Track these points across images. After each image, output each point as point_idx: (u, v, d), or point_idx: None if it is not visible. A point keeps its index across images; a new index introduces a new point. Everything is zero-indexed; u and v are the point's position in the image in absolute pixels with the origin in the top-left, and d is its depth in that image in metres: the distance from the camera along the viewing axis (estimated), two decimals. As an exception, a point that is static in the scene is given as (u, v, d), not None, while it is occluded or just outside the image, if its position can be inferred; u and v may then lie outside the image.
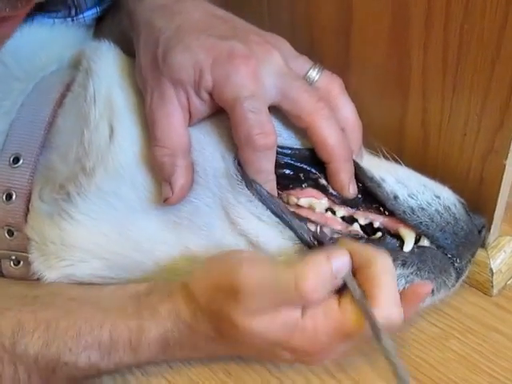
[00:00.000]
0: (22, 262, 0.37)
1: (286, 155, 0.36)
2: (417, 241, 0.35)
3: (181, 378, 0.35)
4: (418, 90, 0.39)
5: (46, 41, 0.42)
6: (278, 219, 0.34)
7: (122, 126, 0.35)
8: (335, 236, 0.34)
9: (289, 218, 0.33)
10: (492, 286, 0.39)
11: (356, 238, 0.34)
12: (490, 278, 0.39)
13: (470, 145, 0.38)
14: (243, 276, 0.30)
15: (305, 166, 0.36)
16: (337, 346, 0.30)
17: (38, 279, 0.36)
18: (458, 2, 0.34)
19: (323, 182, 0.36)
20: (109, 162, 0.35)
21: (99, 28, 0.46)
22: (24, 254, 0.37)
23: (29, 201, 0.36)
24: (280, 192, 0.35)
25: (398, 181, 0.35)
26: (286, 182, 0.35)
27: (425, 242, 0.35)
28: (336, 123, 0.34)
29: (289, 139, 0.36)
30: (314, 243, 0.33)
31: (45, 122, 0.37)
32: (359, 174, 0.36)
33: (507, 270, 0.40)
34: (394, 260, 0.32)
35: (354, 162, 0.36)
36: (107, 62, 0.38)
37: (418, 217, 0.34)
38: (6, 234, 0.37)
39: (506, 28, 0.33)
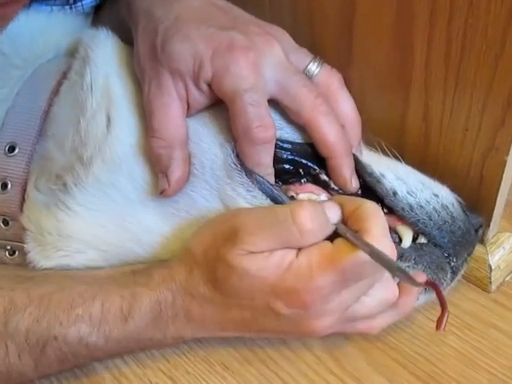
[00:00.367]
0: (17, 252, 0.37)
1: (286, 150, 0.35)
2: (414, 239, 0.35)
3: (177, 371, 0.35)
4: (420, 85, 0.39)
5: (44, 28, 0.41)
6: None
7: (119, 116, 0.35)
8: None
9: None
10: (490, 283, 0.39)
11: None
12: (488, 274, 0.39)
13: (471, 141, 0.38)
14: (242, 216, 0.30)
15: (305, 161, 0.36)
16: (332, 289, 0.29)
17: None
18: (463, -4, 0.33)
19: (324, 177, 0.35)
20: (106, 152, 0.34)
21: (97, 16, 0.46)
22: (19, 244, 0.36)
23: (24, 190, 0.36)
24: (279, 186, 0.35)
25: (398, 177, 0.35)
26: (285, 177, 0.35)
27: (422, 240, 0.35)
28: (335, 119, 0.34)
29: (290, 133, 0.36)
30: None
31: (41, 111, 0.36)
32: (359, 170, 0.36)
33: (506, 267, 0.40)
34: None
35: (354, 157, 0.36)
36: (105, 50, 0.37)
37: (416, 214, 0.34)
38: (1, 224, 0.36)
39: (511, 23, 0.32)
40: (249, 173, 0.33)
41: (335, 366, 0.34)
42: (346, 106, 0.36)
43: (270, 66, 0.33)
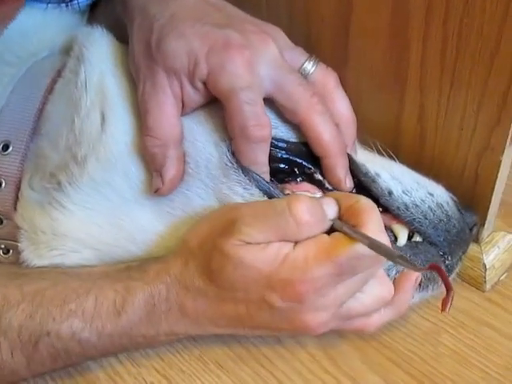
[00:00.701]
0: (11, 251, 0.37)
1: (281, 149, 0.35)
2: (409, 237, 0.35)
3: (172, 370, 0.35)
4: (415, 84, 0.39)
5: (38, 26, 0.41)
6: None
7: (114, 115, 0.35)
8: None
9: None
10: (485, 282, 0.39)
11: None
12: (483, 273, 0.39)
13: (467, 141, 0.38)
14: (240, 209, 0.31)
15: (299, 161, 0.36)
16: (328, 282, 0.29)
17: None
18: (459, -5, 0.33)
19: (319, 176, 0.35)
20: (100, 151, 0.34)
21: (93, 14, 0.45)
22: (13, 243, 0.36)
23: (18, 189, 0.36)
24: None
25: (393, 177, 0.35)
26: (280, 176, 0.35)
27: (417, 239, 0.35)
28: (330, 118, 0.34)
29: (285, 132, 0.36)
30: None
31: (35, 109, 0.36)
32: (354, 169, 0.36)
33: (500, 266, 0.40)
34: None
35: (349, 156, 0.36)
36: (100, 48, 0.37)
37: (411, 213, 0.34)
38: None
39: (505, 23, 0.32)
40: (245, 171, 0.33)
41: (330, 365, 0.35)
42: (342, 105, 0.36)
43: (265, 64, 0.33)
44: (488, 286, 0.40)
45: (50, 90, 0.37)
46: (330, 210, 0.31)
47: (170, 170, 0.33)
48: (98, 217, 0.35)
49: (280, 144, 0.35)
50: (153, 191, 0.33)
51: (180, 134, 0.33)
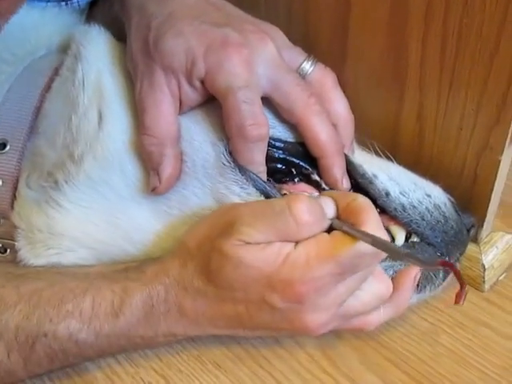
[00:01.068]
0: (8, 250, 0.37)
1: (279, 149, 0.35)
2: (407, 238, 0.35)
3: (170, 370, 0.34)
4: (414, 84, 0.39)
5: (37, 24, 0.41)
6: None
7: (111, 113, 0.35)
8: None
9: None
10: (484, 282, 0.39)
11: None
12: (481, 273, 0.39)
13: (466, 140, 0.38)
14: (239, 209, 0.31)
15: (297, 161, 0.35)
16: (328, 282, 0.29)
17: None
18: (458, -6, 0.33)
19: (316, 177, 0.35)
20: (97, 149, 0.34)
21: (91, 13, 0.45)
22: (10, 242, 0.36)
23: (16, 188, 0.36)
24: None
25: (390, 178, 0.35)
26: (278, 176, 0.35)
27: (415, 239, 0.35)
28: (327, 119, 0.34)
29: (282, 132, 0.35)
30: None
31: (32, 107, 0.36)
32: (351, 170, 0.36)
33: (499, 266, 0.40)
34: None
35: (346, 157, 0.36)
36: (97, 46, 0.37)
37: (408, 214, 0.34)
38: None
39: (505, 22, 0.32)
40: (243, 170, 0.33)
41: (328, 365, 0.34)
42: (339, 105, 0.36)
43: (263, 63, 0.33)
44: (487, 287, 0.40)
45: (47, 89, 0.37)
46: (329, 209, 0.31)
47: (167, 169, 0.32)
48: (94, 215, 0.34)
49: (277, 144, 0.35)
50: (150, 190, 0.33)
51: (177, 132, 0.33)
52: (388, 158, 0.37)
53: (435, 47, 0.36)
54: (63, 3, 0.42)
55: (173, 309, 0.31)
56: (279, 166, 0.35)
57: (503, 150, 0.36)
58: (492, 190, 0.38)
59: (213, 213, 0.33)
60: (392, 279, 0.33)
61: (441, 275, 0.36)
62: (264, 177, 0.34)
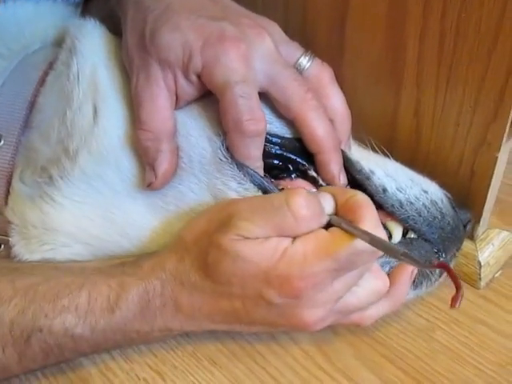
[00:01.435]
0: (2, 246, 0.37)
1: (275, 144, 0.35)
2: (404, 234, 0.35)
3: (165, 366, 0.34)
4: (412, 79, 0.39)
5: (31, 18, 0.41)
6: None
7: (106, 108, 0.34)
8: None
9: None
10: (480, 279, 0.39)
11: None
12: (477, 270, 0.39)
13: (463, 136, 0.38)
14: (237, 204, 0.30)
15: (293, 157, 0.35)
16: (325, 278, 0.29)
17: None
18: (457, -11, 0.33)
19: (313, 173, 0.35)
20: (92, 144, 0.34)
21: (86, 7, 0.45)
22: (4, 238, 0.36)
23: (9, 183, 0.35)
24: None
25: (387, 174, 0.35)
26: (275, 172, 0.35)
27: (412, 236, 0.35)
28: (324, 114, 0.34)
29: (279, 128, 0.35)
30: None
31: (26, 102, 0.36)
32: (348, 167, 0.35)
33: (495, 263, 0.40)
34: None
35: (343, 153, 0.35)
36: (92, 40, 0.36)
37: (406, 211, 0.34)
38: None
39: (503, 18, 0.32)
40: (240, 165, 0.33)
41: (323, 361, 0.34)
42: (336, 100, 0.36)
43: (260, 58, 0.33)
44: (483, 284, 0.40)
45: (41, 83, 0.36)
46: (327, 204, 0.31)
47: (163, 164, 0.32)
48: (89, 211, 0.34)
49: (274, 139, 0.35)
50: (145, 185, 0.33)
51: (173, 127, 0.33)
52: (385, 154, 0.37)
53: (433, 43, 0.36)
54: (58, -3, 0.42)
55: (169, 304, 0.31)
56: (276, 161, 0.35)
57: (500, 147, 0.36)
58: (489, 186, 0.38)
59: (211, 207, 0.32)
60: (389, 274, 0.33)
61: (437, 271, 0.36)
62: (261, 172, 0.34)
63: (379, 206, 0.34)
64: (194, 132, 0.34)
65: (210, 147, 0.33)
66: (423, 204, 0.35)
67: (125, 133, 0.34)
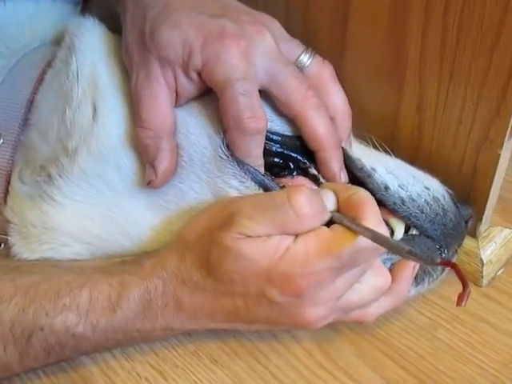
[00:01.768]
0: (2, 245, 0.37)
1: (276, 142, 0.35)
2: (406, 230, 0.35)
3: (166, 365, 0.34)
4: (414, 75, 0.38)
5: (31, 17, 0.41)
6: None
7: (106, 106, 0.34)
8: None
9: None
10: (482, 277, 0.39)
11: None
12: (480, 268, 0.39)
13: (465, 133, 0.37)
14: (239, 202, 0.30)
15: (294, 155, 0.35)
16: (327, 276, 0.29)
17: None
18: (459, -15, 0.33)
19: (313, 171, 0.35)
20: (92, 143, 0.34)
21: (85, 5, 0.44)
22: (4, 237, 0.36)
23: (8, 182, 0.35)
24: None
25: (389, 171, 0.35)
26: (275, 171, 0.35)
27: (414, 232, 0.35)
28: (325, 112, 0.34)
29: (280, 126, 0.35)
30: None
31: (25, 100, 0.35)
32: (349, 164, 0.35)
33: (497, 261, 0.40)
34: None
35: (344, 151, 0.35)
36: (91, 38, 0.36)
37: (408, 208, 0.34)
38: None
39: (506, 14, 0.32)
40: (241, 163, 0.33)
41: (325, 360, 0.34)
42: (337, 98, 0.36)
43: (261, 55, 0.32)
44: (485, 282, 0.39)
45: (40, 81, 0.36)
46: (329, 201, 0.31)
47: (163, 162, 0.32)
48: (89, 210, 0.34)
49: (275, 137, 0.35)
50: (145, 183, 0.33)
51: (173, 125, 0.33)
52: (386, 151, 0.37)
53: (435, 38, 0.36)
54: (58, -5, 0.42)
55: (170, 303, 0.31)
56: (277, 159, 0.35)
57: (503, 144, 0.36)
58: (491, 184, 0.37)
59: (212, 206, 0.32)
60: (390, 270, 0.33)
61: (439, 268, 0.36)
62: (262, 170, 0.33)
63: (381, 204, 0.34)
64: (195, 130, 0.34)
65: (210, 145, 0.33)
66: (425, 201, 0.35)
67: (125, 131, 0.34)
